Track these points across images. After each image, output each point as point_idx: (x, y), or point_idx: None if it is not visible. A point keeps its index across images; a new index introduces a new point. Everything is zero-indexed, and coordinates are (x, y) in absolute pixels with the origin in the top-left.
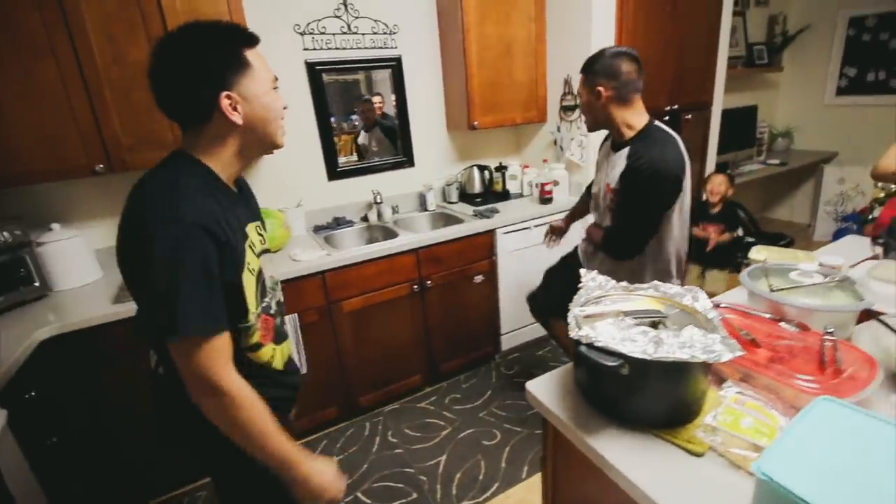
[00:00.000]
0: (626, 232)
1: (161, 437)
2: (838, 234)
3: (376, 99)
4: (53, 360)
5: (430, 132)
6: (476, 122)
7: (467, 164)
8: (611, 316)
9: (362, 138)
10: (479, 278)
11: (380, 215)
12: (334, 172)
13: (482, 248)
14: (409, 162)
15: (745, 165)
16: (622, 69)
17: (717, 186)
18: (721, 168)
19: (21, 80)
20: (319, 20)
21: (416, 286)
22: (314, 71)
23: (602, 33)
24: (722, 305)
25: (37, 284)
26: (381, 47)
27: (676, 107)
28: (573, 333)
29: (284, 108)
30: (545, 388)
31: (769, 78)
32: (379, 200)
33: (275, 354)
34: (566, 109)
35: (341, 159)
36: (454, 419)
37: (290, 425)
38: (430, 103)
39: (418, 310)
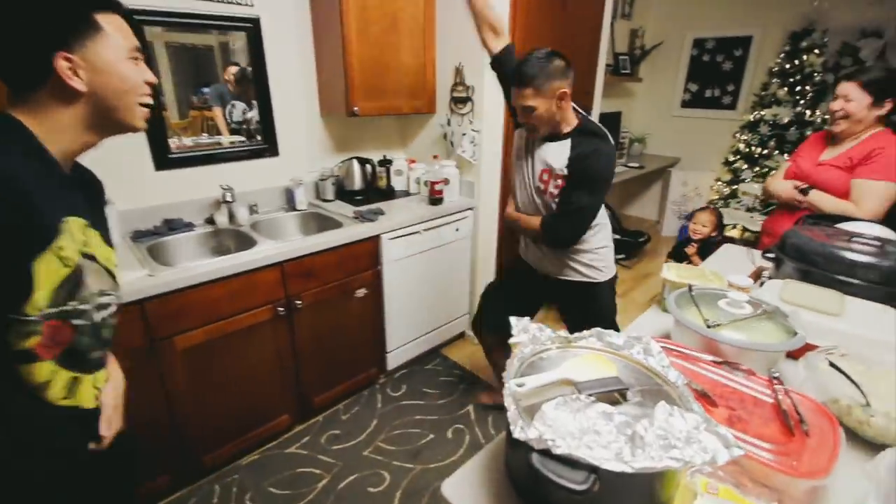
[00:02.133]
0: (578, 216)
1: None
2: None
3: (233, 70)
4: None
5: (299, 116)
6: (357, 108)
7: (346, 157)
8: (557, 388)
9: (234, 115)
10: (361, 292)
11: (232, 217)
12: (164, 160)
13: (365, 256)
14: (271, 150)
15: None
16: (568, 66)
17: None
18: None
19: None
20: None
21: (281, 308)
22: (131, 21)
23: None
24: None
25: None
26: (230, 2)
27: None
28: (517, 433)
29: (149, 84)
30: (467, 492)
31: (629, 87)
32: (230, 198)
33: (54, 380)
34: (457, 101)
35: (184, 141)
36: (332, 463)
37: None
38: (298, 80)
39: (285, 336)
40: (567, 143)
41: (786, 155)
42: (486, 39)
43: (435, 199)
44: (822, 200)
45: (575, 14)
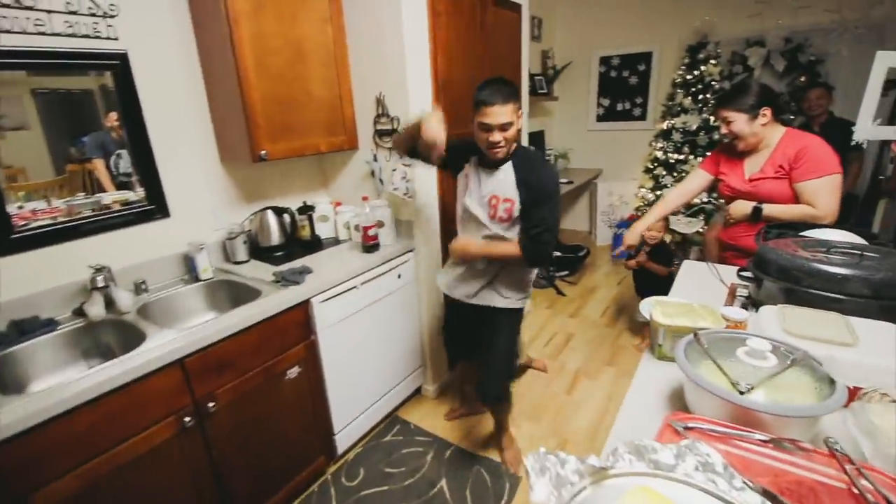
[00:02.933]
0: (549, 233)
1: None
2: (617, 239)
3: (115, 115)
4: None
5: (192, 166)
6: (264, 152)
7: (258, 207)
8: None
9: (120, 166)
10: (293, 372)
11: (110, 303)
12: (5, 242)
13: (294, 328)
14: (159, 210)
15: None
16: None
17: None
18: None
19: None
20: None
21: (188, 418)
22: None
23: (415, 44)
24: (691, 426)
25: None
26: (87, 35)
27: None
28: None
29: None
30: None
31: (547, 106)
32: (101, 283)
33: None
34: (382, 134)
35: (53, 204)
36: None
37: None
38: (188, 124)
39: (198, 451)
40: (508, 167)
41: (699, 158)
42: (434, 160)
43: (369, 245)
44: (780, 211)
45: (493, 34)
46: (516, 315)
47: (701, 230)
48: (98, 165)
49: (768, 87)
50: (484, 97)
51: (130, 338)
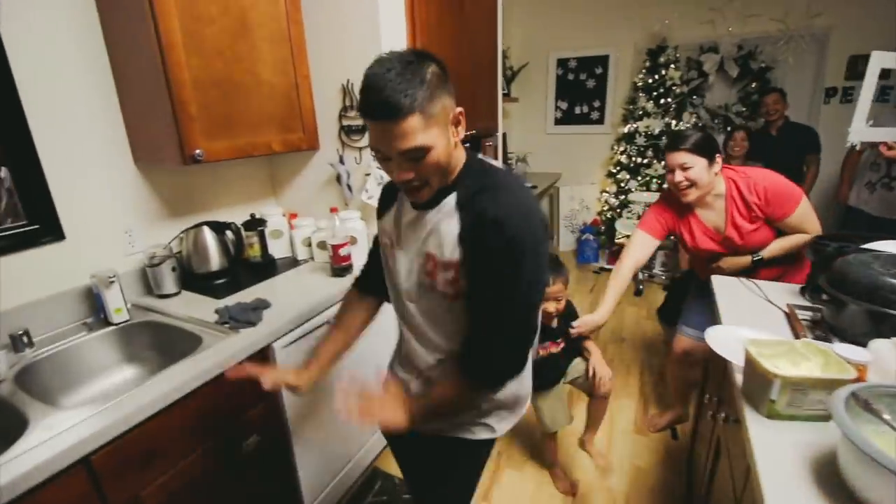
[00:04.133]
0: (517, 331)
1: None
2: (582, 245)
3: None
4: None
5: (94, 171)
6: (199, 151)
7: (190, 223)
8: None
9: None
10: (251, 443)
11: None
12: None
13: (250, 385)
14: (48, 232)
15: None
16: (445, 71)
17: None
18: None
19: None
20: None
21: None
22: None
23: (391, 22)
24: None
25: None
26: None
27: (474, 131)
28: None
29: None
30: None
31: (506, 107)
32: None
33: None
34: (350, 132)
35: None
36: None
37: None
38: (86, 114)
39: None
40: (451, 200)
41: (663, 162)
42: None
43: (341, 268)
44: (778, 250)
45: (472, 20)
46: (483, 449)
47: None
48: None
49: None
50: (366, 107)
51: (2, 427)
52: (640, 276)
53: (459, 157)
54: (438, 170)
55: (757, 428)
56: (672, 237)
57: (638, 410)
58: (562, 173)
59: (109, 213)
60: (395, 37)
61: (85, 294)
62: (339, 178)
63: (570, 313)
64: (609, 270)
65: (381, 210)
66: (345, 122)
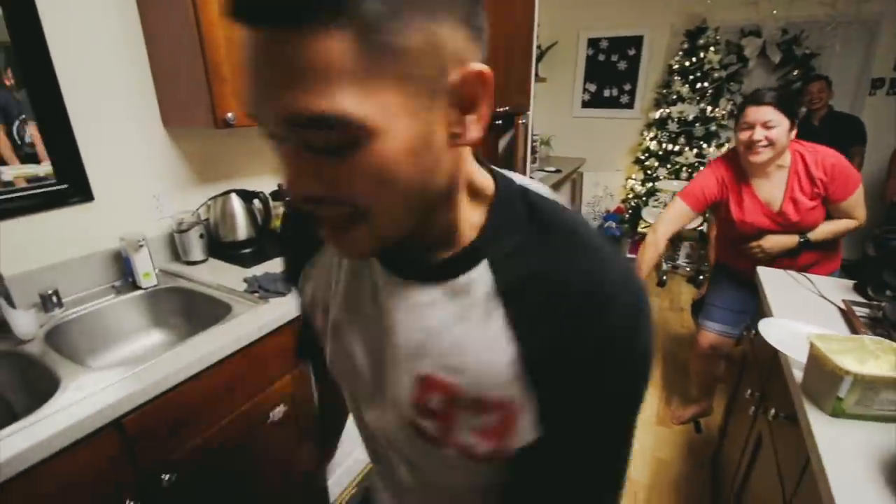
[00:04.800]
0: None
1: None
2: (604, 232)
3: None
4: None
5: (126, 132)
6: (231, 115)
7: (218, 190)
8: None
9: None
10: (278, 413)
11: (1, 328)
12: None
13: (279, 355)
14: (77, 192)
15: (532, 173)
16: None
17: None
18: None
19: None
20: None
21: (131, 502)
22: None
23: None
24: None
25: None
26: None
27: (507, 108)
28: None
29: None
30: None
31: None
32: (56, 301)
33: None
34: None
35: None
36: None
37: None
38: (116, 74)
39: None
40: (482, 278)
41: (695, 151)
42: None
43: None
44: (824, 235)
45: None
46: None
47: (701, 228)
48: None
49: None
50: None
51: (37, 385)
52: (664, 266)
53: (479, 181)
54: (394, 191)
55: (821, 426)
56: (705, 217)
57: (661, 402)
58: (586, 158)
59: (138, 176)
60: None
61: (113, 257)
62: None
63: None
64: (631, 260)
65: (305, 247)
66: None
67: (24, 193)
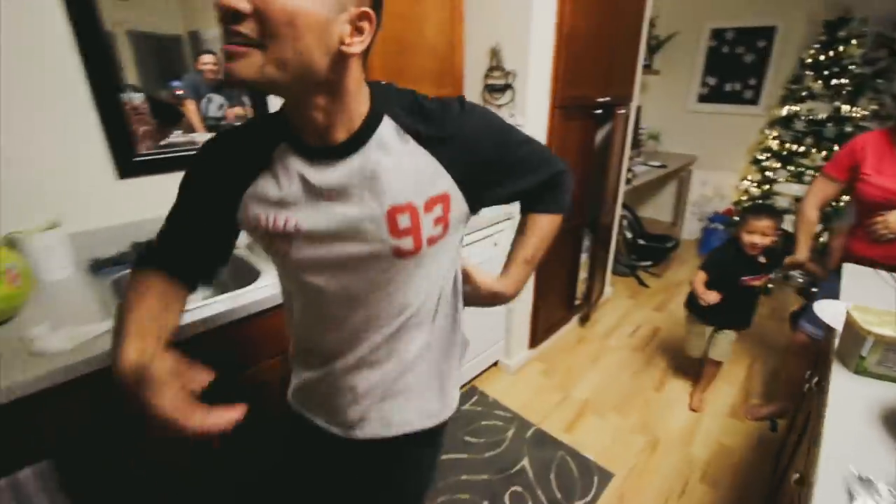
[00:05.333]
0: (547, 154)
1: None
2: (708, 234)
3: (207, 58)
4: None
5: None
6: None
7: None
8: None
9: (210, 110)
10: None
11: None
12: (130, 165)
13: None
14: None
15: (634, 167)
16: None
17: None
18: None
19: None
20: None
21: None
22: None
23: None
24: None
25: None
26: None
27: (609, 99)
28: None
29: None
30: None
31: (644, 80)
32: None
33: None
34: (493, 90)
35: (174, 139)
36: None
37: None
38: None
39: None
40: (387, 129)
41: (822, 153)
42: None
43: None
44: None
45: None
46: (438, 438)
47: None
48: (190, 107)
49: None
50: None
51: (243, 273)
52: (773, 275)
53: (361, 88)
54: (294, 35)
55: (840, 380)
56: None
57: (738, 397)
58: (698, 156)
59: None
60: (544, 4)
61: None
62: None
63: (779, 252)
64: None
65: (237, 176)
66: (488, 81)
67: None
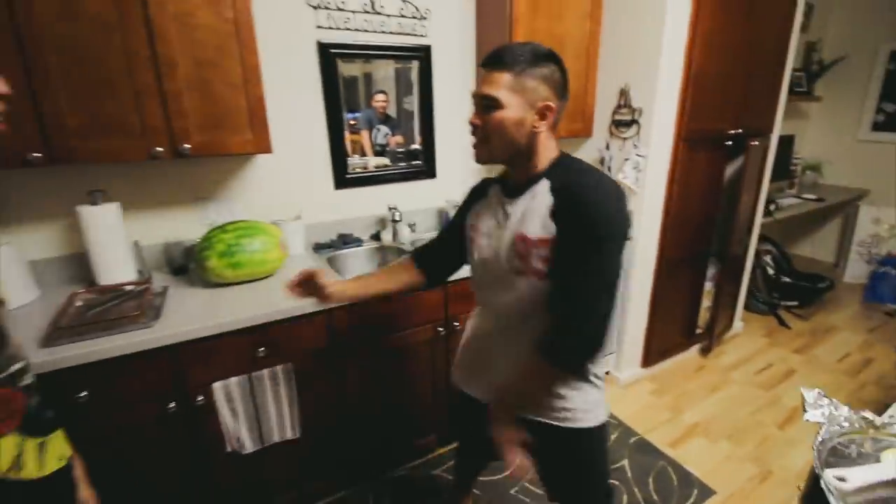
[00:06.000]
0: (589, 298)
1: None
2: (877, 279)
3: (380, 97)
4: None
5: (455, 139)
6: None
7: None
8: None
9: (378, 138)
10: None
11: (395, 235)
12: (343, 179)
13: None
14: (429, 172)
15: (782, 199)
16: (565, 82)
17: None
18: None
19: None
20: None
21: (441, 328)
22: (328, 54)
23: (673, 34)
24: None
25: None
26: (408, 33)
27: (741, 131)
28: None
29: None
30: None
31: (803, 107)
32: (397, 217)
33: (25, 457)
34: (619, 125)
35: (352, 161)
36: (476, 497)
37: None
38: (457, 105)
39: (441, 357)
40: (543, 185)
41: None
42: (409, 287)
43: None
44: None
45: (760, 24)
46: (580, 437)
47: None
48: (363, 136)
49: None
50: (484, 58)
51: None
52: None
53: (546, 148)
54: (501, 133)
55: None
56: None
57: None
58: (869, 190)
59: (458, 164)
60: (673, 50)
61: (438, 211)
62: (602, 161)
63: None
64: None
65: (472, 201)
66: (616, 117)
67: (406, 170)
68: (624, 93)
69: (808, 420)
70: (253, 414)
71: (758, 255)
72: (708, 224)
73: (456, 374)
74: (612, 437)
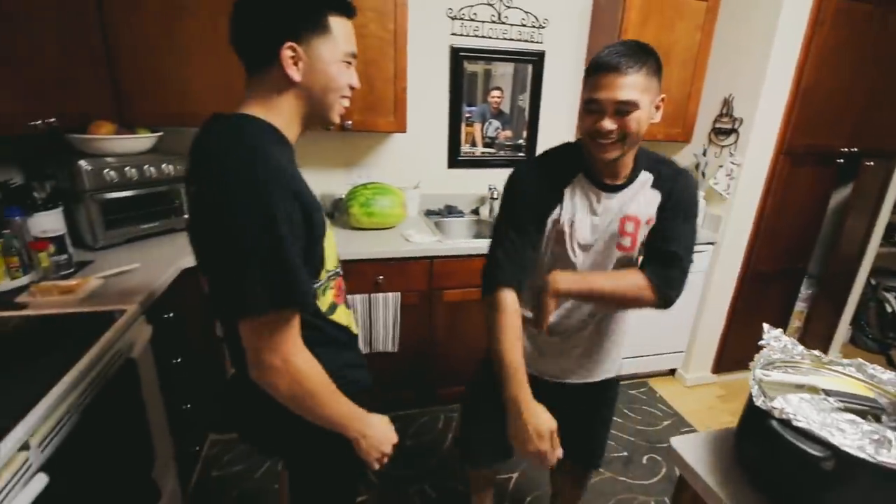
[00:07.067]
0: (686, 258)
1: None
2: None
3: (496, 93)
4: (190, 286)
5: (555, 136)
6: None
7: None
8: (804, 391)
9: (489, 131)
10: None
11: (492, 211)
12: (455, 160)
13: None
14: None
15: None
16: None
17: None
18: (889, 231)
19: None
20: (472, 6)
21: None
22: (457, 56)
23: (783, 51)
24: None
25: (186, 216)
26: (526, 40)
27: (856, 149)
28: (759, 403)
29: (351, 88)
30: (696, 453)
31: None
32: (495, 196)
33: (350, 319)
34: (719, 132)
35: (463, 148)
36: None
37: (371, 390)
38: (562, 106)
39: None
40: (646, 178)
41: None
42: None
43: None
44: None
45: (892, 45)
46: (617, 387)
47: None
48: (476, 129)
49: None
50: (601, 58)
51: None
52: None
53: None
54: (639, 132)
55: None
56: None
57: None
58: None
59: None
60: (783, 64)
61: None
62: (697, 166)
63: None
64: None
65: (548, 205)
66: (716, 125)
67: (507, 158)
68: (727, 102)
69: (761, 343)
70: (367, 325)
71: (875, 287)
72: (805, 243)
73: (529, 356)
74: (666, 423)
